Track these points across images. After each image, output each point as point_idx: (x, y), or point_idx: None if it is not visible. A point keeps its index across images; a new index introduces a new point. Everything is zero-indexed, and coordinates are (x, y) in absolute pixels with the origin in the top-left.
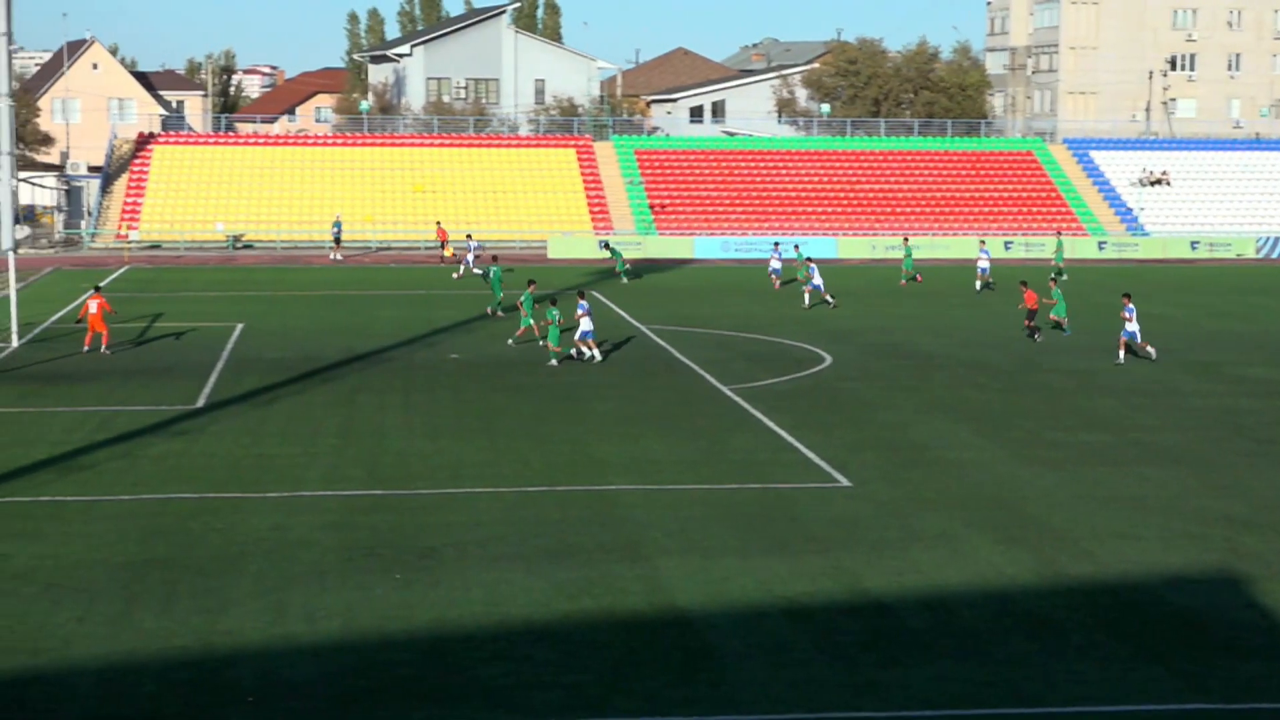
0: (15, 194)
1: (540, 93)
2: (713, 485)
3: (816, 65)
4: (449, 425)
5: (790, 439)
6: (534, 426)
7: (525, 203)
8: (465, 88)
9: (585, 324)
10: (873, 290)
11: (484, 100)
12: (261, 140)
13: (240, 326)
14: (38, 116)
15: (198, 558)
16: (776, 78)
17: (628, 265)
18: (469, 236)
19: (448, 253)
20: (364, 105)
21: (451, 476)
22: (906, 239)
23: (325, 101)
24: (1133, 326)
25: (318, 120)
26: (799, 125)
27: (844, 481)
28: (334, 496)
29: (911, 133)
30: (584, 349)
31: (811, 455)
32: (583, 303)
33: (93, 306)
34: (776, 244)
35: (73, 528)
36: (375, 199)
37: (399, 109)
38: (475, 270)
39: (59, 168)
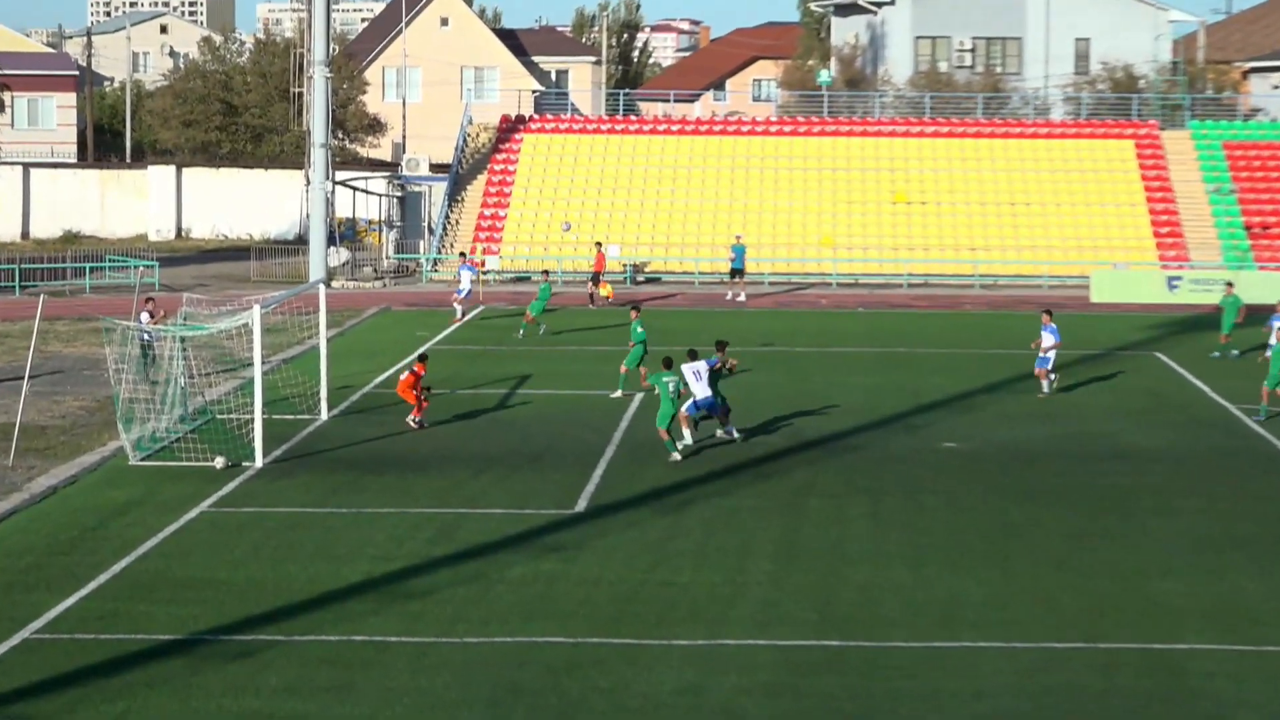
0: (331, 203)
1: (1083, 58)
2: None
3: None
4: (939, 547)
5: None
6: (1066, 551)
7: (1059, 220)
8: (971, 51)
9: (700, 391)
10: None
11: (999, 69)
12: (676, 126)
13: (639, 397)
14: (364, 94)
15: None
16: None
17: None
18: (463, 255)
19: (604, 290)
20: (824, 76)
21: (942, 623)
22: (1230, 285)
23: (767, 71)
24: None
25: (756, 98)
26: None
27: None
28: (770, 647)
29: None
30: (727, 429)
31: None
32: (695, 364)
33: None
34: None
35: (398, 681)
36: (837, 212)
37: (874, 82)
38: (456, 314)
39: (391, 165)
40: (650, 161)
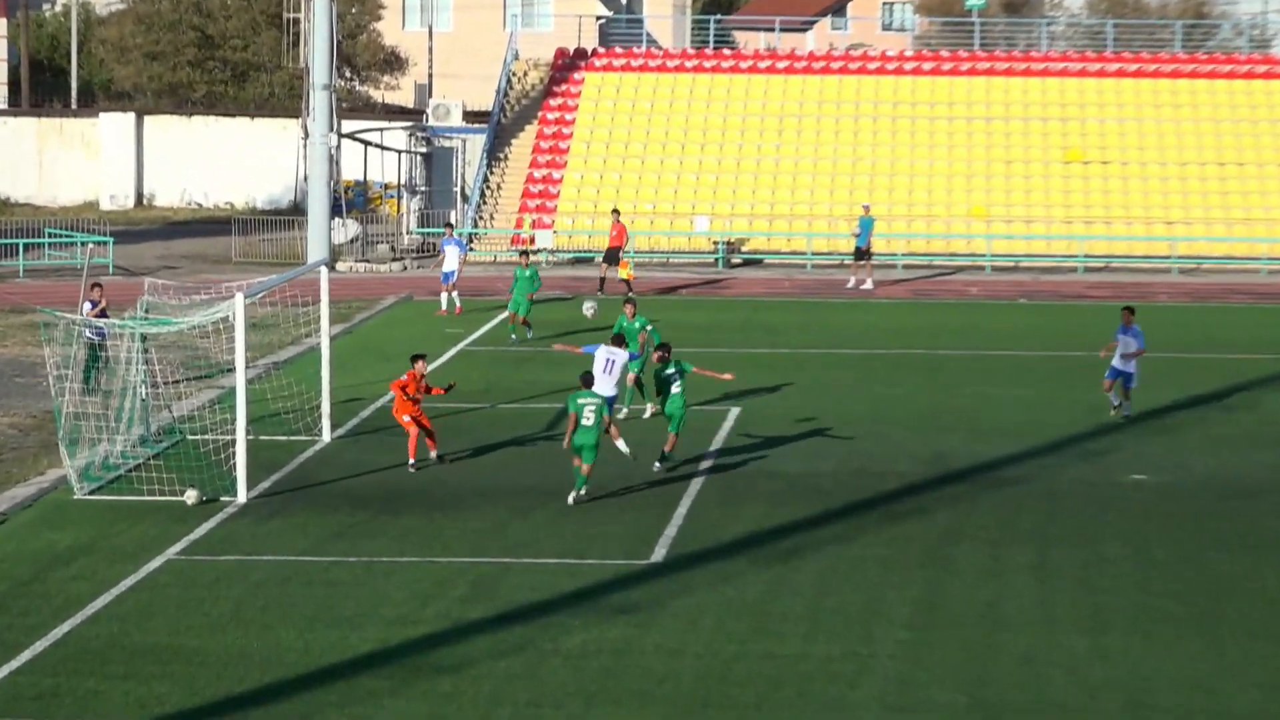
0: (336, 162)
1: None
2: None
3: None
4: (1126, 609)
5: None
6: None
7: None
8: None
9: (605, 388)
10: None
11: None
12: (782, 63)
13: (735, 412)
14: (378, 20)
15: None
16: None
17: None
18: (449, 225)
19: (624, 272)
20: None
21: (1128, 708)
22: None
23: None
24: None
25: (886, 26)
26: None
27: None
28: None
29: None
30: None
31: None
32: (612, 351)
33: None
34: None
35: None
36: (991, 174)
37: (1040, 6)
38: (441, 304)
39: (414, 113)
40: (749, 109)
